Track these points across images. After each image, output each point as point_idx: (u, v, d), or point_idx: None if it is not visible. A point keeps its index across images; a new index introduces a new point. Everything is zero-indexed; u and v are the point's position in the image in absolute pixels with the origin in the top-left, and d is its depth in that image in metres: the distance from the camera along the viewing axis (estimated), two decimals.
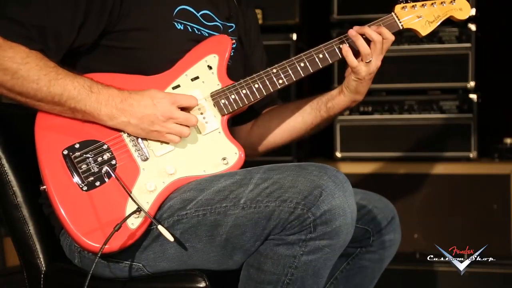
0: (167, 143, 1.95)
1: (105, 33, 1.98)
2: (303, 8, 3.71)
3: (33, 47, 1.89)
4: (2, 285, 3.27)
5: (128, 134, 1.94)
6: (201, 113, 2.00)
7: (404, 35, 3.59)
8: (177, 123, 1.93)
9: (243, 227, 1.86)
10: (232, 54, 2.10)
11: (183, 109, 1.95)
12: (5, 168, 2.07)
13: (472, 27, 3.53)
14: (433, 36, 3.56)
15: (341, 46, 2.08)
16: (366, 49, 2.06)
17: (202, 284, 1.91)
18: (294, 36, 3.62)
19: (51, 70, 1.88)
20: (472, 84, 3.54)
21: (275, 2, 3.67)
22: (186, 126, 1.94)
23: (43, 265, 2.08)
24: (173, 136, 1.94)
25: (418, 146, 3.59)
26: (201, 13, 2.09)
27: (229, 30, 2.18)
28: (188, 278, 1.93)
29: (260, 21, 3.63)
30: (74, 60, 2.00)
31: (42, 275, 2.08)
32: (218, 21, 2.14)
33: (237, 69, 2.18)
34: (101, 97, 1.90)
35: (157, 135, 1.93)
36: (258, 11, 3.63)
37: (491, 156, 3.60)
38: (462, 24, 3.53)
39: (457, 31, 3.54)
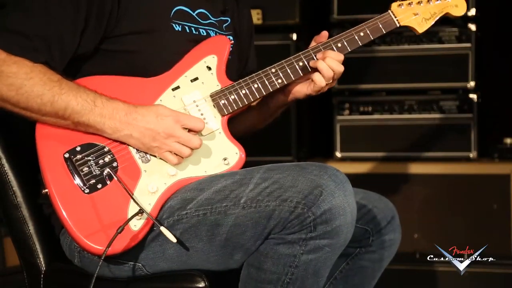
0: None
1: (103, 37, 1.98)
2: (303, 8, 3.71)
3: (37, 60, 1.89)
4: (2, 285, 3.27)
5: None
6: (201, 114, 2.00)
7: (404, 35, 3.59)
8: (178, 142, 1.92)
9: (243, 226, 1.86)
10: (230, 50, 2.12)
11: (189, 130, 1.94)
12: (5, 168, 2.07)
13: (472, 27, 3.53)
14: (433, 36, 3.55)
15: (339, 44, 2.09)
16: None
17: (201, 284, 1.91)
18: (294, 36, 3.62)
19: (54, 84, 1.88)
20: (472, 84, 3.54)
21: (275, 2, 3.67)
22: (187, 147, 1.93)
23: (43, 265, 2.08)
24: (172, 157, 1.92)
25: (418, 146, 3.59)
26: (196, 12, 2.10)
27: (224, 25, 2.19)
28: (187, 278, 1.93)
29: (260, 21, 3.64)
30: (73, 65, 1.99)
31: (42, 275, 2.08)
32: (213, 18, 2.15)
33: (234, 63, 2.19)
34: (105, 111, 1.89)
35: (157, 151, 1.92)
36: (258, 11, 3.63)
37: (491, 156, 3.60)
38: (462, 24, 3.54)
39: (457, 31, 3.54)
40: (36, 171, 1.95)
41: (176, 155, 1.93)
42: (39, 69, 1.88)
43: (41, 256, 2.08)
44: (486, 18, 3.65)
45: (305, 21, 3.72)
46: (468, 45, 3.54)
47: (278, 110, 2.26)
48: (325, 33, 2.13)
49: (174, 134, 1.91)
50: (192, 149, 1.93)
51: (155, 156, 1.95)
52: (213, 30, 2.13)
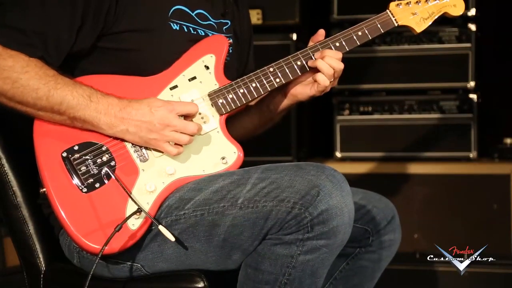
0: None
1: (101, 35, 1.98)
2: (303, 8, 3.71)
3: (34, 54, 1.89)
4: (2, 285, 3.27)
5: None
6: (199, 113, 2.00)
7: (404, 35, 3.59)
8: (175, 131, 1.92)
9: (241, 227, 1.86)
10: (229, 51, 2.12)
11: (184, 117, 1.95)
12: (5, 168, 2.08)
13: (472, 27, 3.53)
14: (433, 36, 3.56)
15: (337, 44, 2.10)
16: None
17: (201, 284, 1.91)
18: (294, 36, 3.62)
19: (50, 79, 1.88)
20: (472, 84, 3.54)
21: (275, 2, 3.67)
22: (186, 134, 1.93)
23: (43, 265, 2.08)
24: (171, 148, 1.92)
25: (418, 146, 3.59)
26: (195, 12, 2.10)
27: (224, 28, 2.19)
28: (187, 278, 1.93)
29: (260, 21, 3.64)
30: (71, 63, 2.00)
31: (41, 275, 2.08)
32: (212, 20, 2.15)
33: (233, 65, 2.20)
34: (100, 106, 1.89)
35: (155, 143, 1.92)
36: (258, 11, 3.64)
37: (491, 156, 3.60)
38: (462, 24, 3.54)
39: (457, 31, 3.54)
40: (36, 171, 1.95)
41: (175, 145, 1.93)
42: (35, 63, 1.89)
43: (41, 256, 2.09)
44: (486, 18, 3.65)
45: (305, 21, 3.72)
46: (468, 45, 3.54)
47: (280, 113, 2.25)
48: (321, 32, 2.13)
49: (170, 123, 1.91)
50: (190, 135, 1.93)
51: (153, 153, 1.95)
52: (212, 32, 2.13)
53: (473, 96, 3.55)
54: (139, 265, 1.95)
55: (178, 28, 2.05)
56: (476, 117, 3.56)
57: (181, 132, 1.92)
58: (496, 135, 3.67)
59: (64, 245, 2.03)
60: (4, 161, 2.08)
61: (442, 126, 3.57)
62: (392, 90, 3.64)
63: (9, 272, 3.32)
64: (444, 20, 2.24)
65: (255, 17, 3.61)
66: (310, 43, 2.13)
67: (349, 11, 3.61)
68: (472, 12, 3.49)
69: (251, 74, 2.06)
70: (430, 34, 3.55)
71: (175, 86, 2.02)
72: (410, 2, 2.16)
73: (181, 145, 1.94)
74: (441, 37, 3.56)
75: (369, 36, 2.12)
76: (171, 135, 1.92)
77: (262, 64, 2.12)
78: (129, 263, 1.95)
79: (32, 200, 2.08)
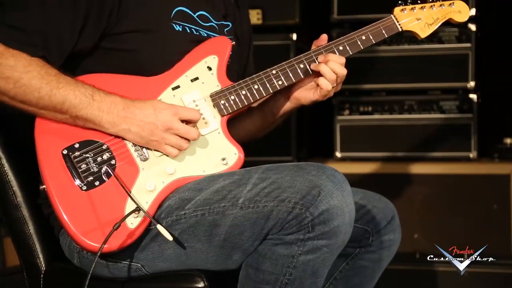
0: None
1: (104, 36, 1.98)
2: (303, 8, 3.71)
3: (35, 54, 1.89)
4: (2, 285, 3.28)
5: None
6: (201, 114, 2.00)
7: (404, 35, 3.59)
8: (177, 135, 1.93)
9: (241, 227, 1.87)
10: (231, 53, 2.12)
11: (186, 122, 1.95)
12: (5, 168, 2.08)
13: (472, 27, 3.53)
14: (433, 36, 3.55)
15: (340, 47, 2.09)
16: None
17: (201, 284, 1.91)
18: (294, 36, 3.62)
19: (52, 78, 1.88)
20: (472, 84, 3.54)
21: (275, 2, 3.67)
22: (186, 139, 1.94)
23: (43, 265, 2.08)
24: (172, 149, 1.93)
25: (418, 146, 3.59)
26: (197, 14, 2.10)
27: (225, 29, 2.19)
28: (187, 278, 1.93)
29: (260, 21, 3.64)
30: (73, 62, 2.00)
31: (42, 275, 2.08)
32: (214, 21, 2.15)
33: (234, 67, 2.19)
34: (103, 105, 1.90)
35: (156, 144, 1.93)
36: (258, 11, 3.64)
37: (491, 156, 3.60)
38: (462, 24, 3.53)
39: (457, 31, 3.54)
40: (36, 171, 1.95)
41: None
42: (37, 62, 1.89)
43: (41, 256, 2.09)
44: (486, 18, 3.65)
45: (305, 21, 3.72)
46: (468, 45, 3.54)
47: (282, 117, 2.25)
48: (324, 37, 2.13)
49: (172, 126, 1.92)
50: (190, 141, 1.93)
51: (153, 153, 1.95)
52: (214, 33, 2.13)
53: (473, 96, 3.56)
54: (139, 265, 1.95)
55: (180, 29, 2.05)
56: (476, 117, 3.56)
57: (182, 137, 1.92)
58: (496, 135, 3.67)
59: (64, 245, 2.03)
60: (4, 161, 2.08)
61: (442, 126, 3.57)
62: (392, 90, 3.65)
63: (9, 272, 3.32)
64: (443, 22, 2.24)
65: (255, 17, 3.61)
66: (313, 47, 2.13)
67: (349, 11, 3.61)
68: (472, 12, 3.49)
69: (254, 76, 2.06)
70: (430, 34, 3.55)
71: (177, 87, 2.02)
72: (415, 7, 2.15)
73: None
74: (441, 37, 3.56)
75: (373, 40, 2.12)
76: (172, 139, 1.92)
77: (262, 64, 2.12)
78: (130, 263, 1.95)
79: (32, 200, 2.08)
